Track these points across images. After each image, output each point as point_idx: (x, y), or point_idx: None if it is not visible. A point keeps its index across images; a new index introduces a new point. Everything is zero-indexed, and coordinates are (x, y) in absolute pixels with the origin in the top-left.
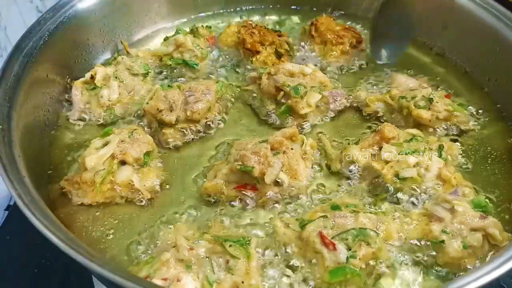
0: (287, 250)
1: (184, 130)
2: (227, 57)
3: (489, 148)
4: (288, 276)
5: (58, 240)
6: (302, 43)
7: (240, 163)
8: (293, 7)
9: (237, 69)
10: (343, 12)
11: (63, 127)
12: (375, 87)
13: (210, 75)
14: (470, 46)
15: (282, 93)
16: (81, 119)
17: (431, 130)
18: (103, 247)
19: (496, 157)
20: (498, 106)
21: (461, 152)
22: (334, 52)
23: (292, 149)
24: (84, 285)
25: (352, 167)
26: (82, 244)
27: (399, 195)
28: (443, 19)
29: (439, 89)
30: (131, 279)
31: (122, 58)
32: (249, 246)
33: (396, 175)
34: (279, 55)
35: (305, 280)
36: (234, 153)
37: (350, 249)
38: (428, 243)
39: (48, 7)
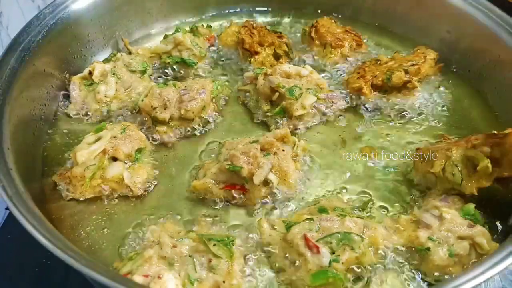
0: (272, 251)
1: (178, 128)
2: (226, 57)
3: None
4: (270, 277)
5: (33, 230)
6: (302, 45)
7: (229, 162)
8: (295, 8)
9: (234, 69)
10: (345, 15)
11: (59, 121)
12: None
13: (208, 74)
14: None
15: (277, 94)
16: (78, 114)
17: None
18: (91, 241)
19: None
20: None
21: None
22: (333, 55)
23: (283, 150)
24: (85, 285)
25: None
26: (61, 236)
27: None
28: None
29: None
30: (105, 274)
31: (121, 55)
32: (232, 246)
33: None
34: (277, 57)
35: (287, 282)
36: (224, 153)
37: (334, 253)
38: (414, 249)
39: None
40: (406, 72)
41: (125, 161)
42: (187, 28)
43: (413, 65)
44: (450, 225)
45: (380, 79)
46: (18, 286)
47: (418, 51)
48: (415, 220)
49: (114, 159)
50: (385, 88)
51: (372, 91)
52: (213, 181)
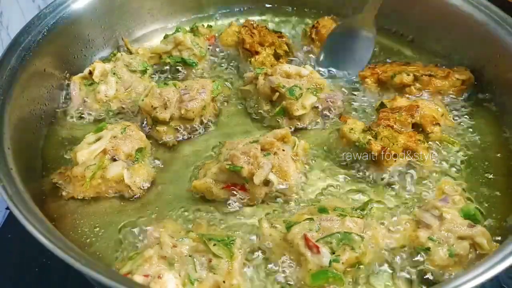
0: (272, 251)
1: (178, 128)
2: (226, 56)
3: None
4: (270, 277)
5: (33, 230)
6: (302, 45)
7: (230, 162)
8: (295, 7)
9: (235, 69)
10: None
11: (59, 121)
12: None
13: (208, 74)
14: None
15: (277, 94)
16: (78, 113)
17: None
18: (91, 241)
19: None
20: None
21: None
22: None
23: (283, 150)
24: (85, 285)
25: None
26: (61, 236)
27: None
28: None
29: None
30: (105, 274)
31: (122, 54)
32: (233, 246)
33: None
34: (277, 57)
35: (287, 282)
36: (225, 153)
37: (334, 253)
38: (414, 249)
39: None
40: (416, 78)
41: (125, 161)
42: (187, 28)
43: (429, 75)
44: (450, 225)
45: (387, 75)
46: (18, 286)
47: (453, 69)
48: (415, 220)
49: (115, 159)
50: (387, 86)
51: (375, 85)
52: (213, 181)
